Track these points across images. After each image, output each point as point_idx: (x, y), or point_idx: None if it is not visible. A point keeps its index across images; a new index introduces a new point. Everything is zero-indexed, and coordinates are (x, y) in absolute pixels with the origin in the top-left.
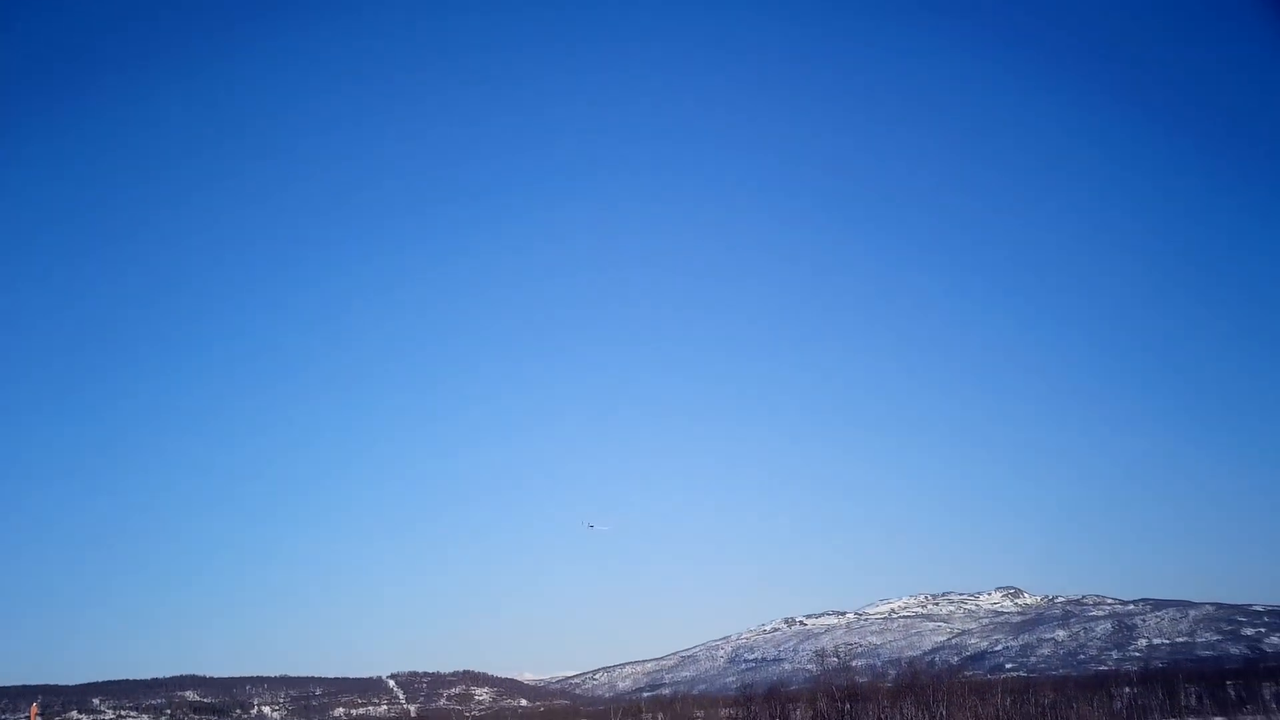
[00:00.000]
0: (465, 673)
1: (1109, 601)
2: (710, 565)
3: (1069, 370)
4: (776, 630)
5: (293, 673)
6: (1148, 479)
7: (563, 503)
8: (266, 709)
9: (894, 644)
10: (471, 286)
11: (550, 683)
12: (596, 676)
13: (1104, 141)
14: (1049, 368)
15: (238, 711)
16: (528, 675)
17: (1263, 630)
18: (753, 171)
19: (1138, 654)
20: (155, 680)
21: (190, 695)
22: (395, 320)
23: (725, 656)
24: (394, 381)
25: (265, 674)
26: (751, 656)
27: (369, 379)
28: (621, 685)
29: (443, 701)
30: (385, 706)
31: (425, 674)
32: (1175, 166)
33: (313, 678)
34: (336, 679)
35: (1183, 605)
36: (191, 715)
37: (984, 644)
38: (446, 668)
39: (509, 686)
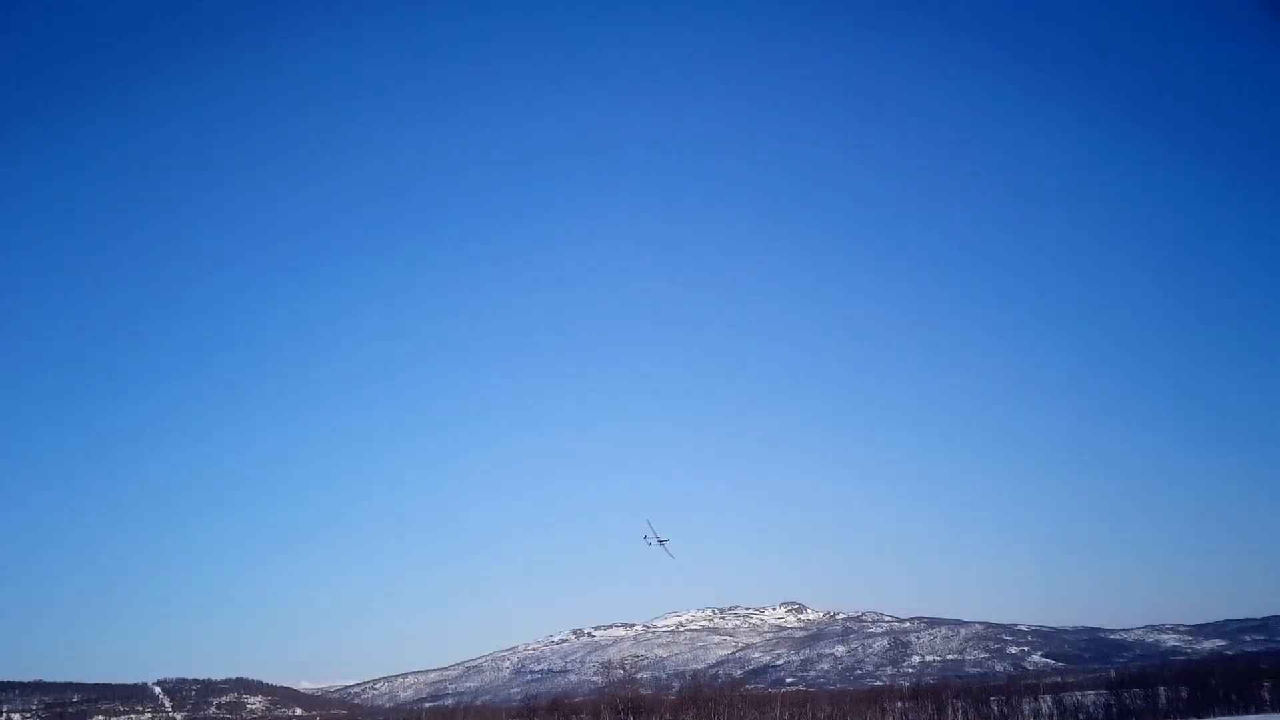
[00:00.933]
0: (238, 680)
1: (887, 619)
2: (499, 575)
3: (857, 393)
4: (564, 641)
5: (47, 678)
6: (925, 503)
7: (337, 505)
8: (16, 716)
9: (680, 656)
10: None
11: (329, 691)
12: (377, 686)
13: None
14: (847, 388)
15: None
16: (305, 683)
17: (1026, 649)
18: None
19: (911, 670)
20: None
21: None
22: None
23: (511, 667)
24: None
25: (16, 679)
26: (538, 668)
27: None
28: (403, 695)
29: (212, 710)
30: (150, 715)
31: (194, 681)
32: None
33: (70, 683)
34: (96, 685)
35: (955, 624)
36: None
37: (767, 658)
38: (218, 674)
39: (284, 695)
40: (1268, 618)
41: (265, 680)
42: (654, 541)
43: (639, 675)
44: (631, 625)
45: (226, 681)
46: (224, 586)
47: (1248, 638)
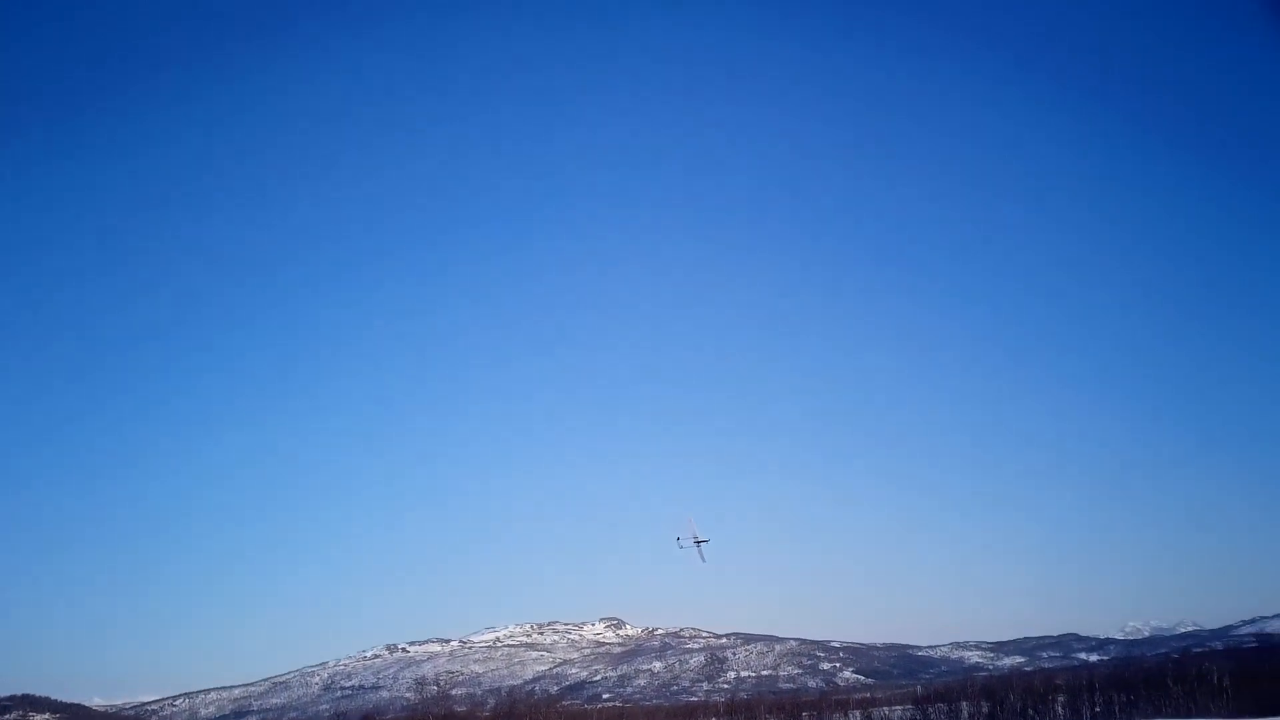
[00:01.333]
0: (22, 697)
1: (704, 635)
2: (310, 586)
3: (674, 404)
4: (377, 657)
5: None
6: (742, 520)
7: (134, 506)
8: None
9: (496, 672)
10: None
11: (124, 709)
12: (177, 703)
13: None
14: (664, 397)
15: None
16: (98, 700)
17: (838, 665)
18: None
19: (726, 686)
20: None
21: None
22: None
23: (320, 683)
24: None
25: None
26: (349, 684)
27: None
28: (204, 712)
29: None
30: None
31: None
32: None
33: None
34: None
35: (770, 640)
36: None
37: (584, 674)
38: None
39: (74, 713)
40: (1062, 635)
41: (54, 697)
42: (691, 544)
43: (454, 692)
44: (447, 641)
45: (10, 699)
46: (7, 592)
47: (1044, 654)
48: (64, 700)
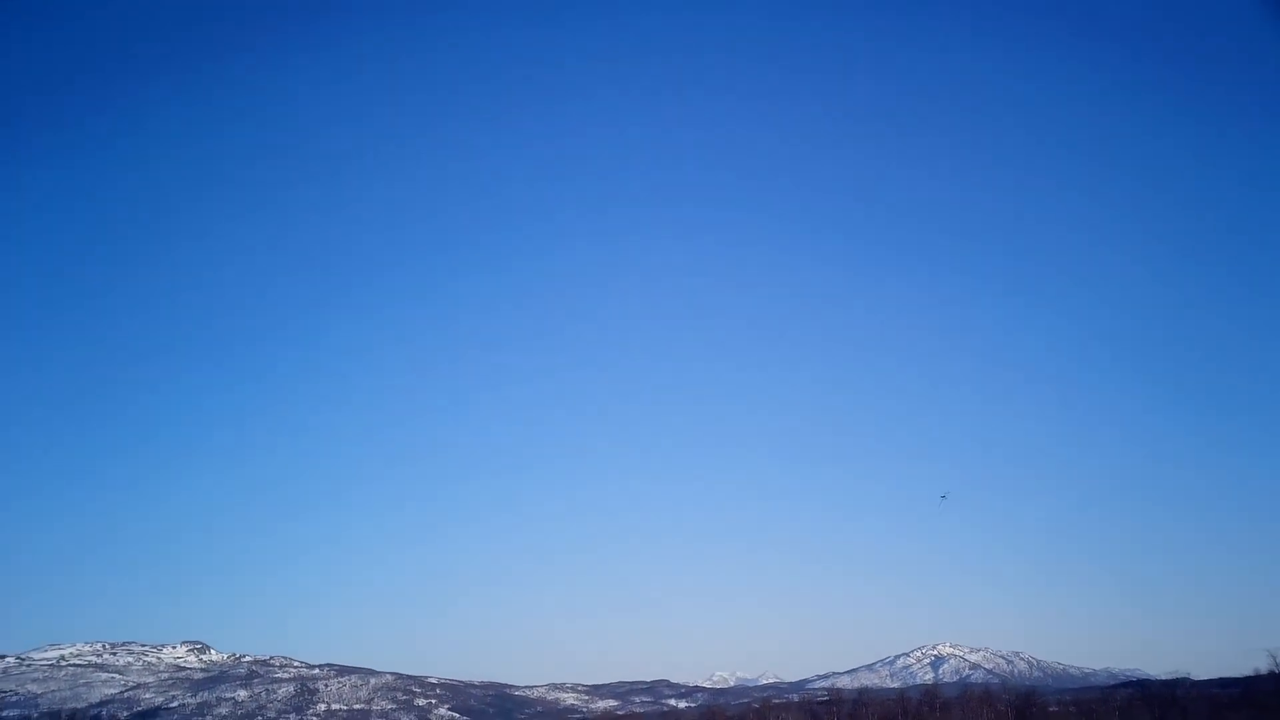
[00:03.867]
0: None
1: (296, 664)
2: None
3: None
4: None
5: None
6: (339, 545)
7: None
8: None
9: (58, 694)
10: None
11: None
12: None
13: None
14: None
15: None
16: None
17: (434, 701)
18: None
19: (316, 717)
20: None
21: None
22: None
23: None
24: None
25: None
26: None
27: None
28: None
29: None
30: None
31: None
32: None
33: None
34: None
35: (365, 673)
36: None
37: (160, 699)
38: None
39: None
40: (655, 681)
41: None
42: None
43: (4, 714)
44: (3, 656)
45: None
46: None
47: (637, 699)
48: None
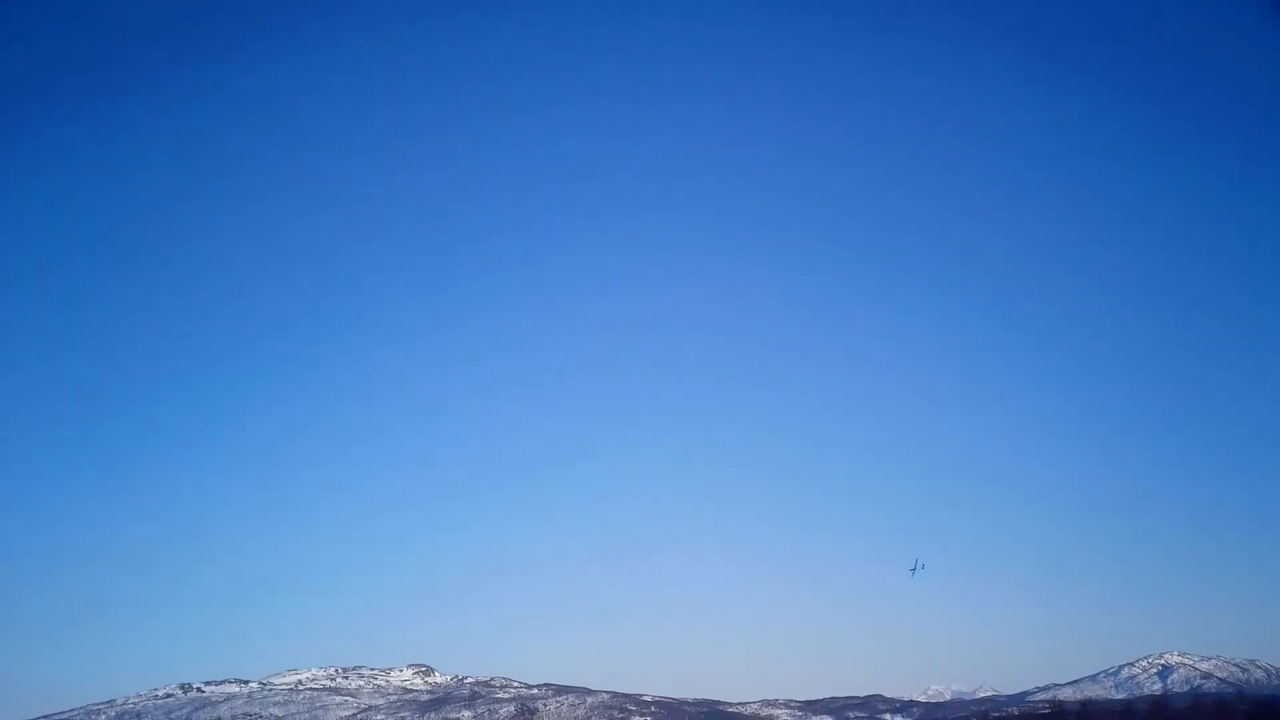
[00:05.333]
0: None
1: (515, 684)
2: (97, 619)
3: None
4: (170, 696)
5: None
6: (551, 566)
7: None
8: None
9: (297, 717)
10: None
11: None
12: None
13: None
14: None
15: None
16: None
17: (649, 718)
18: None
19: None
20: None
21: None
22: None
23: None
24: None
25: None
26: None
27: None
28: None
29: None
30: None
31: None
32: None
33: None
34: None
35: (582, 692)
36: None
37: None
38: None
39: None
40: (868, 696)
41: None
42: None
43: None
44: (246, 682)
45: None
46: None
47: (851, 715)
48: None
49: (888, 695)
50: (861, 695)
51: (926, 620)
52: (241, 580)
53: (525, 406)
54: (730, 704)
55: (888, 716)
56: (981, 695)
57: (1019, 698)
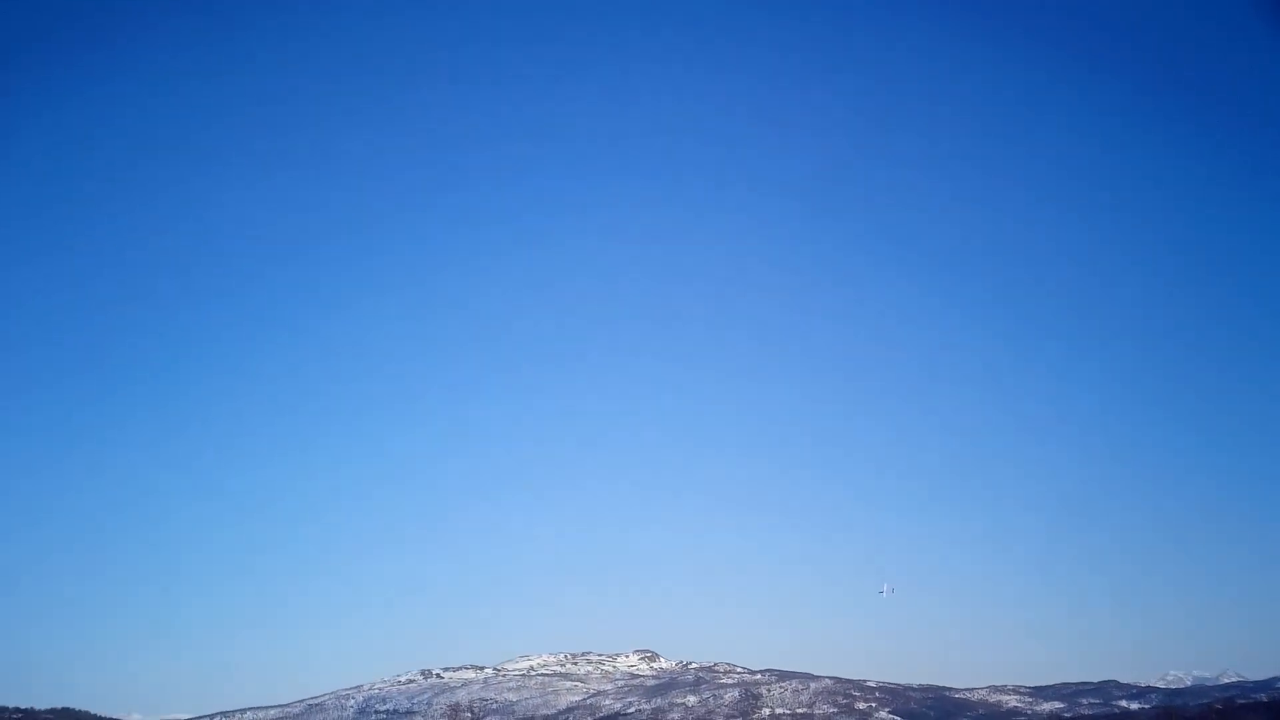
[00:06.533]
0: (64, 710)
1: (739, 670)
2: (346, 608)
3: (708, 434)
4: (412, 682)
5: None
6: (779, 554)
7: (172, 523)
8: None
9: (530, 701)
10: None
11: None
12: None
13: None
14: (698, 428)
15: None
16: (136, 716)
17: (874, 705)
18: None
19: None
20: None
21: None
22: None
23: (355, 706)
24: None
25: None
26: (384, 708)
27: None
28: None
29: None
30: None
31: (15, 710)
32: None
33: None
34: None
35: (805, 678)
36: None
37: (618, 705)
38: (41, 702)
39: None
40: (1103, 682)
41: (94, 711)
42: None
43: (486, 719)
44: (481, 668)
45: (50, 711)
46: (49, 604)
47: (1084, 701)
48: (104, 715)
49: (1123, 681)
50: (1095, 681)
51: (1163, 603)
52: (476, 572)
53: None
54: (957, 690)
55: (1124, 703)
56: (1225, 681)
57: (1267, 684)
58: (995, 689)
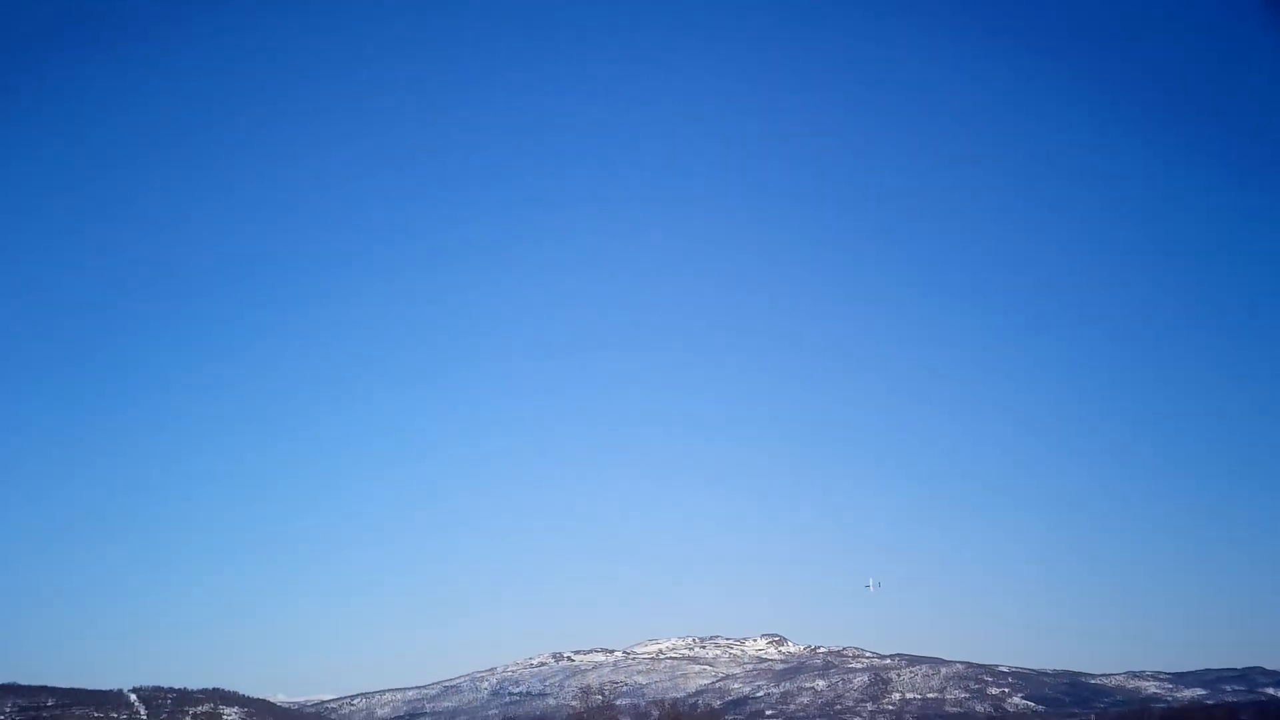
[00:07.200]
0: (214, 690)
1: (867, 655)
2: (480, 593)
3: (841, 420)
4: (544, 665)
5: (22, 680)
6: (908, 539)
7: (320, 516)
8: None
9: (659, 684)
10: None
11: (305, 705)
12: (354, 702)
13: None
14: (830, 413)
15: None
16: (281, 696)
17: (1006, 690)
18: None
19: (891, 707)
20: None
21: None
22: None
23: (490, 688)
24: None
25: None
26: (517, 690)
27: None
28: (380, 712)
29: (187, 719)
30: None
31: (170, 689)
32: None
33: (44, 687)
34: (71, 689)
35: (935, 662)
36: None
37: (747, 689)
38: (194, 683)
39: (260, 708)
40: (1248, 668)
41: (242, 691)
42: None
43: (617, 701)
44: (611, 651)
45: (202, 691)
46: (203, 594)
47: (1228, 687)
48: (251, 695)
49: (1268, 667)
50: (1238, 667)
51: None
52: (606, 556)
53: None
54: (1093, 675)
55: (1271, 690)
56: None
57: None
58: (1133, 674)
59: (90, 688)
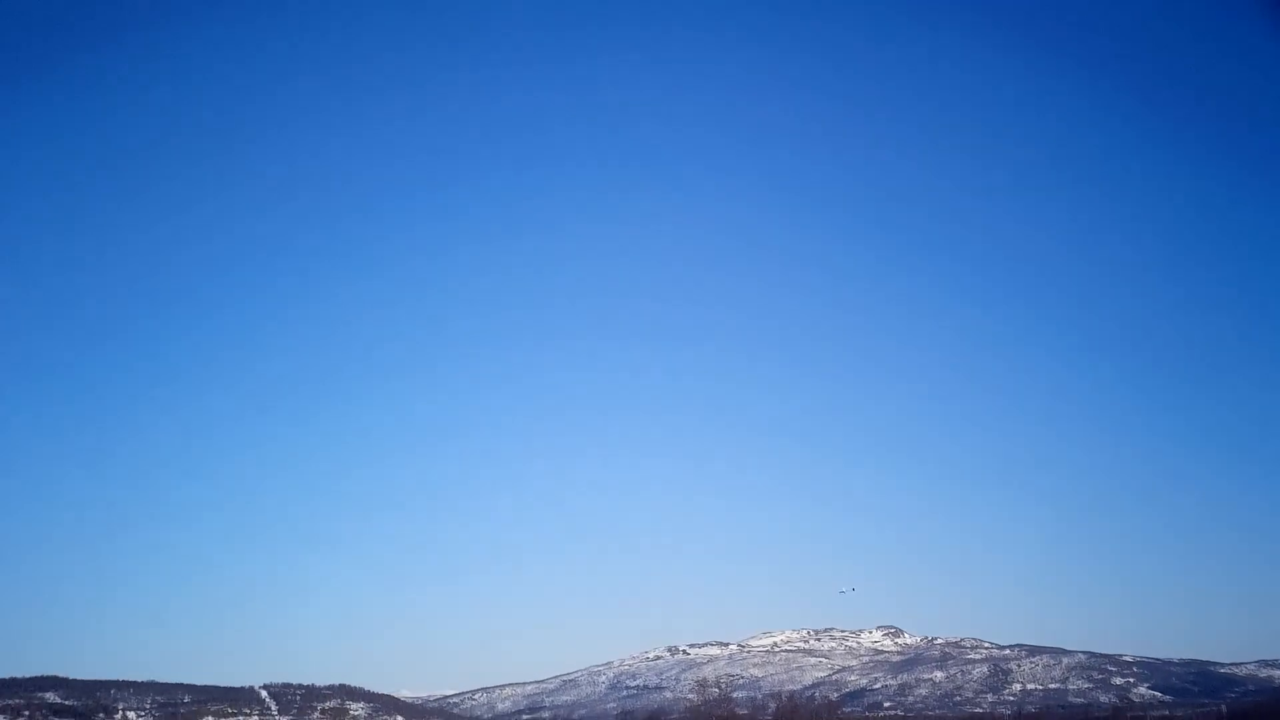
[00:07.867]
0: (341, 686)
1: (986, 645)
2: (596, 589)
3: (964, 417)
4: (659, 658)
5: (160, 678)
6: (1026, 530)
7: (440, 517)
8: (131, 714)
9: (775, 677)
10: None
11: (428, 701)
12: (475, 696)
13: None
14: (947, 413)
15: (100, 716)
16: (405, 692)
17: (1131, 680)
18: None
19: (1012, 698)
20: (13, 680)
21: (50, 697)
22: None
23: (607, 682)
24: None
25: (131, 678)
26: (633, 683)
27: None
28: (501, 706)
29: (316, 715)
30: (256, 717)
31: (299, 686)
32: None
33: (181, 684)
34: (206, 687)
35: (1056, 652)
36: (51, 718)
37: (864, 681)
38: (321, 680)
39: (385, 703)
40: None
41: (367, 687)
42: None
43: (734, 694)
44: (726, 644)
45: (330, 687)
46: (331, 594)
47: None
48: (376, 691)
49: None
50: None
51: None
52: (719, 550)
53: None
54: (1222, 664)
55: None
56: None
57: None
58: (1265, 663)
59: (224, 685)
